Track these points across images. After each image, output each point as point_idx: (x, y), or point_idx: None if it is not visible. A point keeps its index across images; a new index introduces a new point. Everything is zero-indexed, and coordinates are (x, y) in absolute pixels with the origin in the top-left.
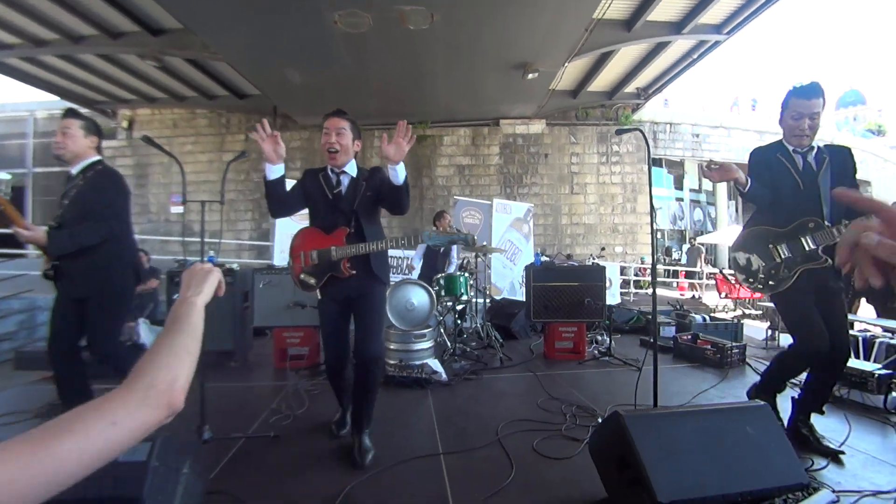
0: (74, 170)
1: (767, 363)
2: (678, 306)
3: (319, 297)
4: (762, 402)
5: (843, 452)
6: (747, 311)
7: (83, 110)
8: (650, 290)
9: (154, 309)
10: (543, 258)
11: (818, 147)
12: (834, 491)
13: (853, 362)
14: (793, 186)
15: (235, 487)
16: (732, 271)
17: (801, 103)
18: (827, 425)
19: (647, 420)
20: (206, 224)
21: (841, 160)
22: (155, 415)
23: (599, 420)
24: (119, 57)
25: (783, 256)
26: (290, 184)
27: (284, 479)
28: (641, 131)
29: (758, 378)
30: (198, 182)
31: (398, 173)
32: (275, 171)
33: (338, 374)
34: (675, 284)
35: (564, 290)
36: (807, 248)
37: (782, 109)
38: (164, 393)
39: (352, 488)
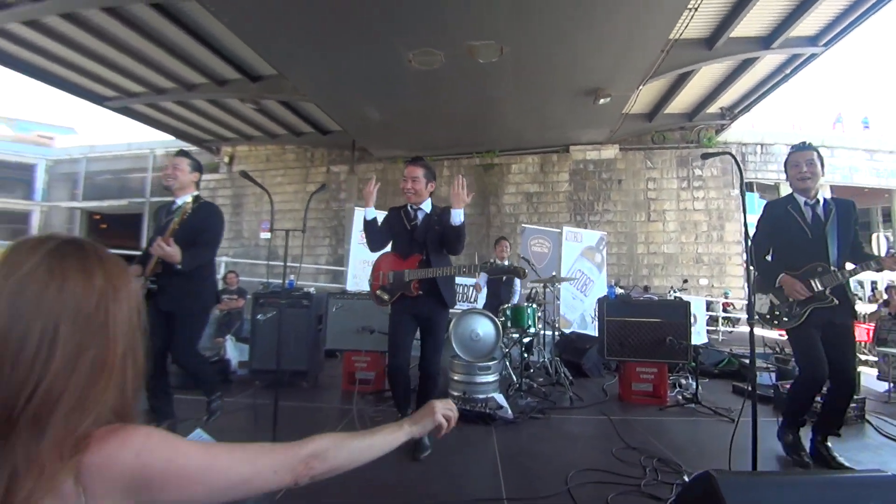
0: (179, 200)
1: (889, 421)
2: (778, 349)
3: (391, 311)
4: (891, 473)
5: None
6: (863, 357)
7: (193, 148)
8: (742, 329)
9: (240, 327)
10: (618, 290)
11: (825, 199)
12: None
13: None
14: (802, 235)
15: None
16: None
17: (797, 155)
18: None
19: (746, 485)
20: (288, 249)
21: (845, 211)
22: (290, 482)
23: (685, 478)
24: (223, 101)
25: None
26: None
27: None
28: (732, 154)
29: (876, 437)
30: (284, 210)
31: (455, 216)
32: (371, 213)
33: (397, 377)
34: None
35: (642, 327)
36: (815, 290)
37: (786, 168)
38: (305, 472)
39: None
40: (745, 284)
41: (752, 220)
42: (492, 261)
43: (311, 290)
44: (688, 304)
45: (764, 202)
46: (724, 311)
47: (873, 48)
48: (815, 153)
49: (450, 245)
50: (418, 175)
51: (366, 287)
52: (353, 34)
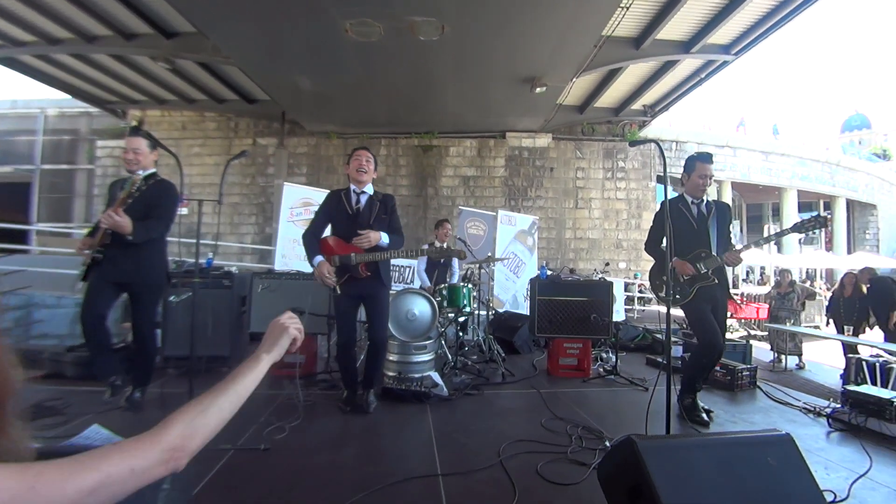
0: (141, 174)
1: (775, 386)
2: (685, 325)
3: (338, 292)
4: (784, 432)
5: (711, 421)
6: (753, 332)
7: (93, 110)
8: (654, 308)
9: None
10: (549, 272)
11: (707, 200)
12: None
13: (869, 389)
14: (689, 227)
15: (221, 503)
16: (739, 292)
17: (706, 167)
18: (845, 455)
19: (663, 448)
20: (207, 226)
21: (722, 211)
22: (164, 472)
23: (607, 444)
24: (131, 58)
25: (684, 278)
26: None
27: (273, 495)
28: (658, 143)
29: (766, 401)
30: (203, 185)
31: (383, 239)
32: (317, 259)
33: (347, 353)
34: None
35: (570, 305)
36: (701, 271)
37: (689, 171)
38: (182, 455)
39: None
40: (666, 268)
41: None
42: (433, 243)
43: (234, 269)
44: (611, 284)
45: (676, 195)
46: (640, 291)
47: (777, 59)
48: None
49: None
50: (370, 158)
51: (294, 267)
52: None
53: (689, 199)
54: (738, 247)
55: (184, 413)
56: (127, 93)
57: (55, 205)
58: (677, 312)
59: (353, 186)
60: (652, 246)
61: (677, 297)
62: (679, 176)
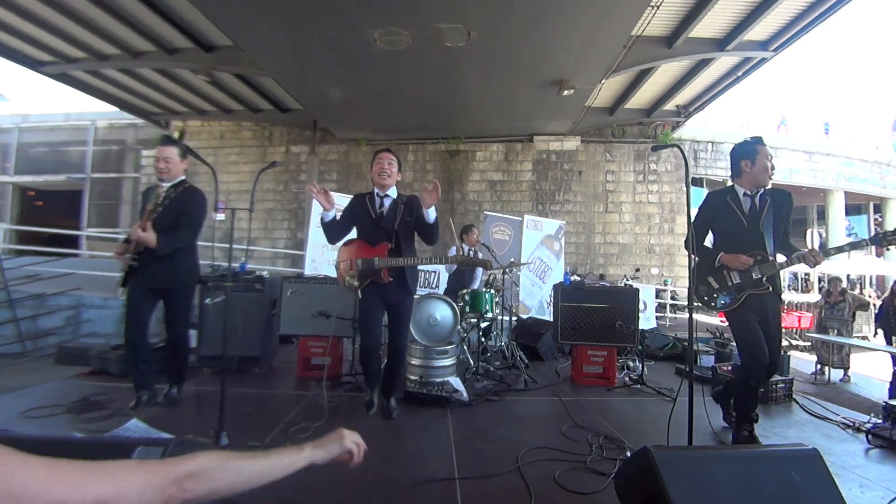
0: (166, 185)
1: (814, 400)
2: (718, 334)
3: (360, 296)
4: (811, 447)
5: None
6: (794, 342)
7: (138, 121)
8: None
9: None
10: (573, 278)
11: (762, 190)
12: None
13: None
14: (738, 225)
15: (248, 498)
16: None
17: (766, 149)
18: (884, 473)
19: (679, 459)
20: (241, 231)
21: (780, 202)
22: (160, 501)
23: (628, 454)
24: (174, 71)
25: (734, 282)
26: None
27: (297, 493)
28: (680, 147)
29: (802, 415)
30: (240, 191)
31: (430, 215)
32: (329, 215)
33: (370, 356)
34: (716, 311)
35: (594, 312)
36: (754, 277)
37: (750, 156)
38: (179, 492)
39: None
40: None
41: (696, 213)
42: (463, 251)
43: (265, 273)
44: (637, 290)
45: (721, 189)
46: (672, 298)
47: (823, 54)
48: None
49: (427, 237)
50: (393, 160)
51: (323, 272)
52: (316, 7)
53: (742, 192)
54: (808, 247)
55: (209, 456)
56: (169, 104)
57: (104, 211)
58: (711, 320)
59: (376, 190)
60: (695, 244)
61: (722, 302)
62: (717, 179)
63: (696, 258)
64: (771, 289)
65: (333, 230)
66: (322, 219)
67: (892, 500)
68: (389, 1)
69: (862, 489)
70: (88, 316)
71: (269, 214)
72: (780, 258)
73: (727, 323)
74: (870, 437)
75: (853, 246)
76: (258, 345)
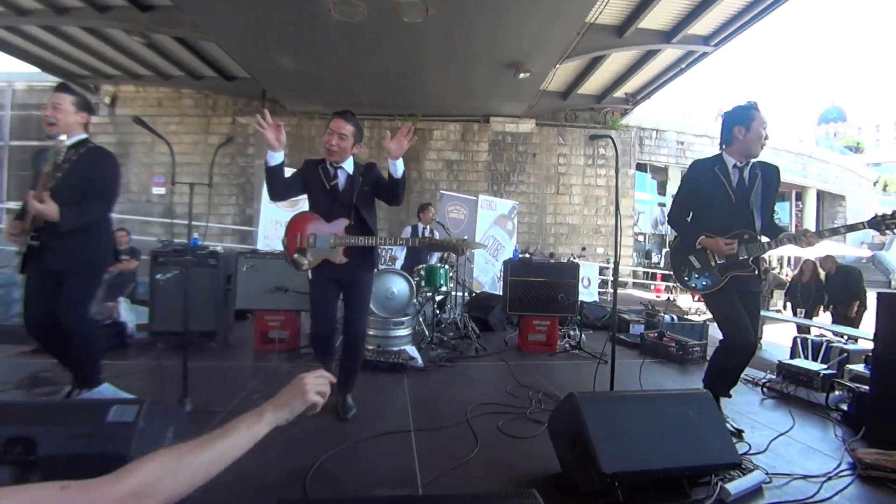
0: (65, 143)
1: None
2: (650, 306)
3: (311, 277)
4: (705, 390)
5: (742, 431)
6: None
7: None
8: (627, 291)
9: (134, 289)
10: (522, 255)
11: (752, 163)
12: (767, 473)
13: (801, 362)
14: (725, 199)
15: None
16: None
17: (763, 117)
18: (772, 418)
19: (598, 401)
20: (186, 206)
21: (769, 178)
22: None
23: None
24: (105, 31)
25: (717, 262)
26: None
27: (260, 451)
28: (611, 138)
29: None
30: (181, 164)
31: (397, 167)
32: (276, 157)
33: (324, 345)
34: (652, 287)
35: (539, 285)
36: (740, 258)
37: (745, 122)
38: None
39: (324, 460)
40: (633, 253)
41: (641, 197)
42: (418, 229)
43: (219, 248)
44: (577, 266)
45: (655, 182)
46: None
47: (757, 50)
48: None
49: (392, 197)
50: (348, 132)
51: (278, 248)
52: None
53: (731, 163)
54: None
55: (155, 462)
56: (100, 67)
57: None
58: (646, 294)
59: (328, 159)
60: (676, 219)
61: (704, 283)
62: (659, 164)
63: (677, 235)
64: (757, 271)
65: (279, 181)
66: (267, 162)
67: (776, 437)
68: None
69: (752, 430)
70: (19, 294)
71: (215, 189)
72: (764, 240)
73: (704, 304)
74: (764, 389)
75: (849, 228)
76: (213, 320)
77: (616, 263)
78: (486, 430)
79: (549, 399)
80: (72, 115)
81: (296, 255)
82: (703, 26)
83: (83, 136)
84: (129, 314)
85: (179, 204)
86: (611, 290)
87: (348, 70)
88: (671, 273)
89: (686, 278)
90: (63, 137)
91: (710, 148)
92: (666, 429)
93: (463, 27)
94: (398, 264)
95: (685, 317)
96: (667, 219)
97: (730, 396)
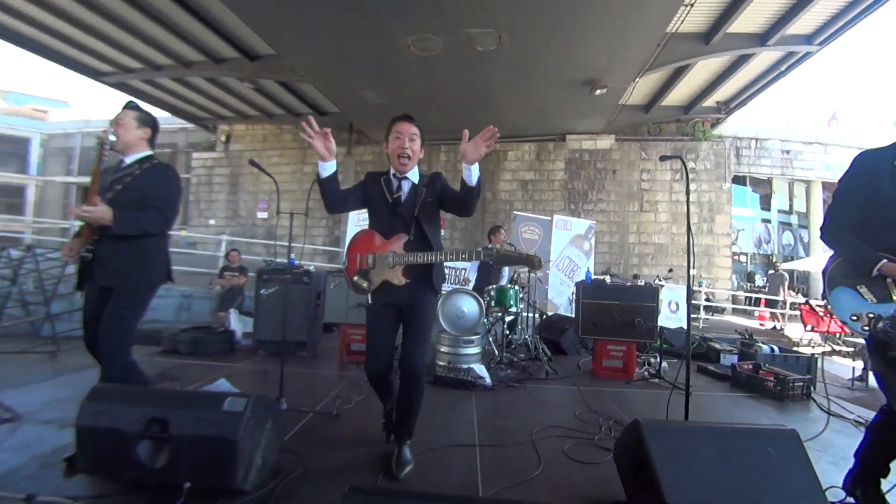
0: (127, 160)
1: (834, 400)
2: (746, 335)
3: (370, 301)
4: (790, 427)
5: None
6: (837, 347)
7: (189, 126)
8: (724, 318)
9: (242, 301)
10: (600, 277)
11: None
12: None
13: None
14: None
15: (302, 450)
16: (825, 302)
17: None
18: None
19: (666, 430)
20: (284, 228)
21: None
22: None
23: None
24: (221, 79)
25: None
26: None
27: (341, 450)
28: (681, 158)
29: (818, 412)
30: (281, 192)
31: (472, 173)
32: (327, 168)
33: (379, 382)
34: (755, 314)
35: (614, 309)
36: None
37: None
38: None
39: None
40: (732, 276)
41: (742, 213)
42: (498, 246)
43: (311, 267)
44: (656, 288)
45: (757, 196)
46: (707, 300)
47: (870, 47)
48: None
49: (463, 207)
50: (416, 133)
51: None
52: (351, 16)
53: None
54: None
55: None
56: (217, 110)
57: None
58: (748, 322)
59: (392, 171)
60: (837, 233)
61: (885, 326)
62: (761, 176)
63: (834, 255)
64: None
65: (333, 191)
66: (319, 174)
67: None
68: (421, 9)
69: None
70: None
71: (308, 213)
72: None
73: (869, 353)
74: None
75: None
76: (305, 331)
77: (689, 286)
78: (551, 452)
79: (620, 427)
80: (133, 131)
81: (356, 278)
82: (803, 25)
83: (148, 152)
84: (237, 323)
85: (279, 227)
86: (704, 316)
87: (425, 99)
88: (816, 304)
89: (854, 317)
90: (110, 134)
91: (822, 157)
92: (741, 467)
93: (535, 49)
94: (470, 286)
95: (794, 349)
96: (820, 233)
97: (886, 475)
